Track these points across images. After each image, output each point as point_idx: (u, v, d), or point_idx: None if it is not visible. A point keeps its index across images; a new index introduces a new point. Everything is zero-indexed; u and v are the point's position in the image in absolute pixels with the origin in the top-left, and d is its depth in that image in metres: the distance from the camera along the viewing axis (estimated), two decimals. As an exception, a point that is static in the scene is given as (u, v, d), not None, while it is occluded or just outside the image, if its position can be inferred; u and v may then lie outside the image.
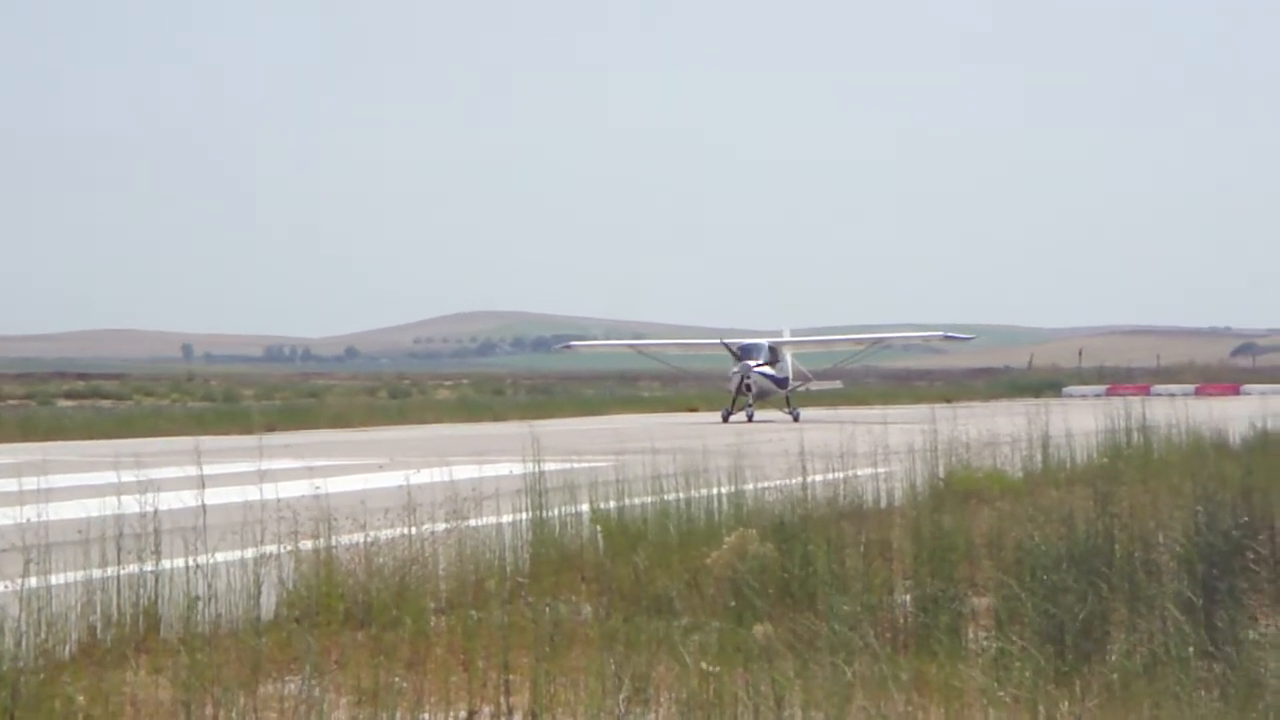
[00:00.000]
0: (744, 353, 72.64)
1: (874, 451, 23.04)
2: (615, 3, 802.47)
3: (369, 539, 15.77)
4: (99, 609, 13.97)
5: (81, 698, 11.00)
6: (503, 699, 11.55)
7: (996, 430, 29.37)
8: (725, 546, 16.11)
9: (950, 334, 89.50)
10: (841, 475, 20.02)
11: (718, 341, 77.49)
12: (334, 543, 15.57)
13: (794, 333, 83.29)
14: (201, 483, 15.65)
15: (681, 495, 19.62)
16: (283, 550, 15.35)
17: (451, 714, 11.52)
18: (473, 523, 17.17)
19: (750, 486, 20.16)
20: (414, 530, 16.27)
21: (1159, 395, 79.99)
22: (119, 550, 14.32)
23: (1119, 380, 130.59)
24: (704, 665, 11.42)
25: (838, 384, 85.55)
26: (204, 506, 15.27)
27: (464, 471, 22.05)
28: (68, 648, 13.39)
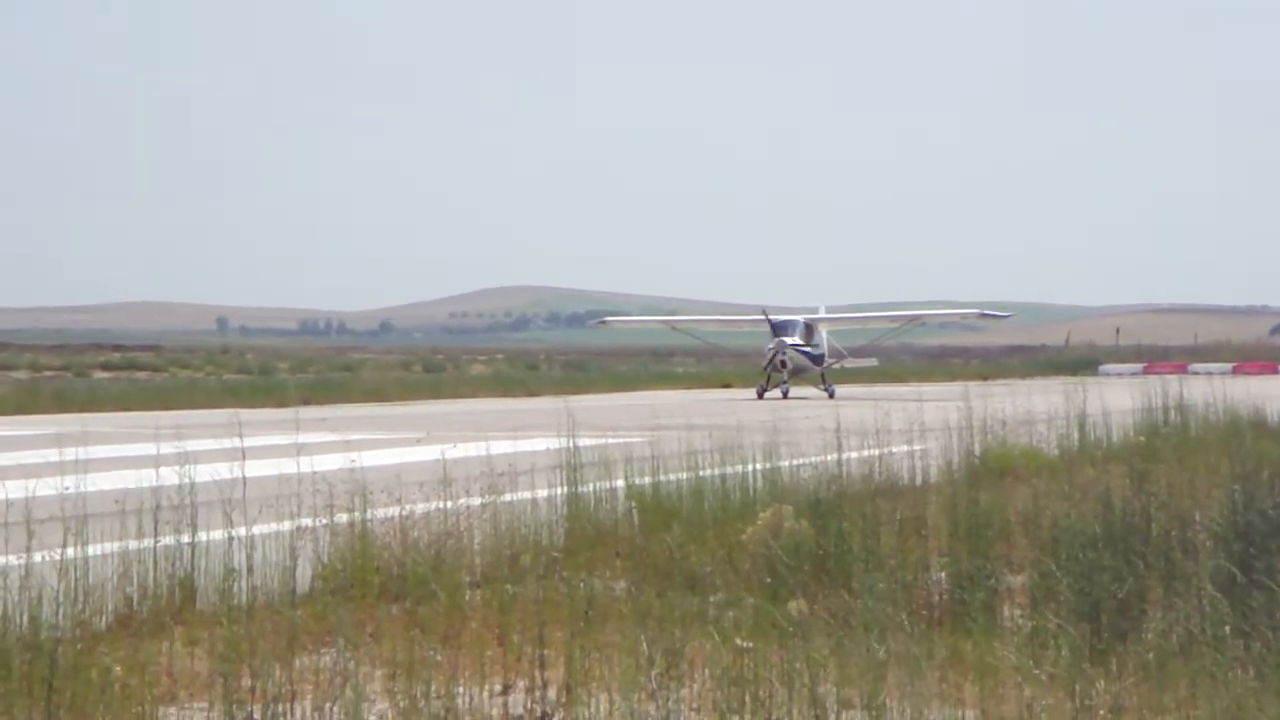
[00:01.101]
0: (779, 329, 72.57)
1: (909, 429, 23.00)
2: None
3: (404, 513, 15.80)
4: (136, 580, 14.02)
5: (118, 668, 11.02)
6: (537, 673, 11.56)
7: (1033, 408, 29.30)
8: (760, 523, 16.11)
9: (987, 312, 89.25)
10: (877, 452, 20.00)
11: (758, 317, 77.29)
12: (369, 516, 15.60)
13: (830, 309, 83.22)
14: (242, 455, 15.67)
15: (716, 471, 19.62)
16: (318, 523, 15.39)
17: (486, 688, 11.53)
18: (508, 498, 17.19)
19: (785, 463, 20.15)
20: (449, 504, 16.30)
21: (1196, 374, 79.64)
22: (156, 522, 14.36)
23: (1156, 359, 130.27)
24: (738, 641, 11.42)
25: (873, 361, 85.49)
26: (244, 479, 15.29)
27: (499, 446, 22.07)
28: (104, 618, 13.44)
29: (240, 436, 16.58)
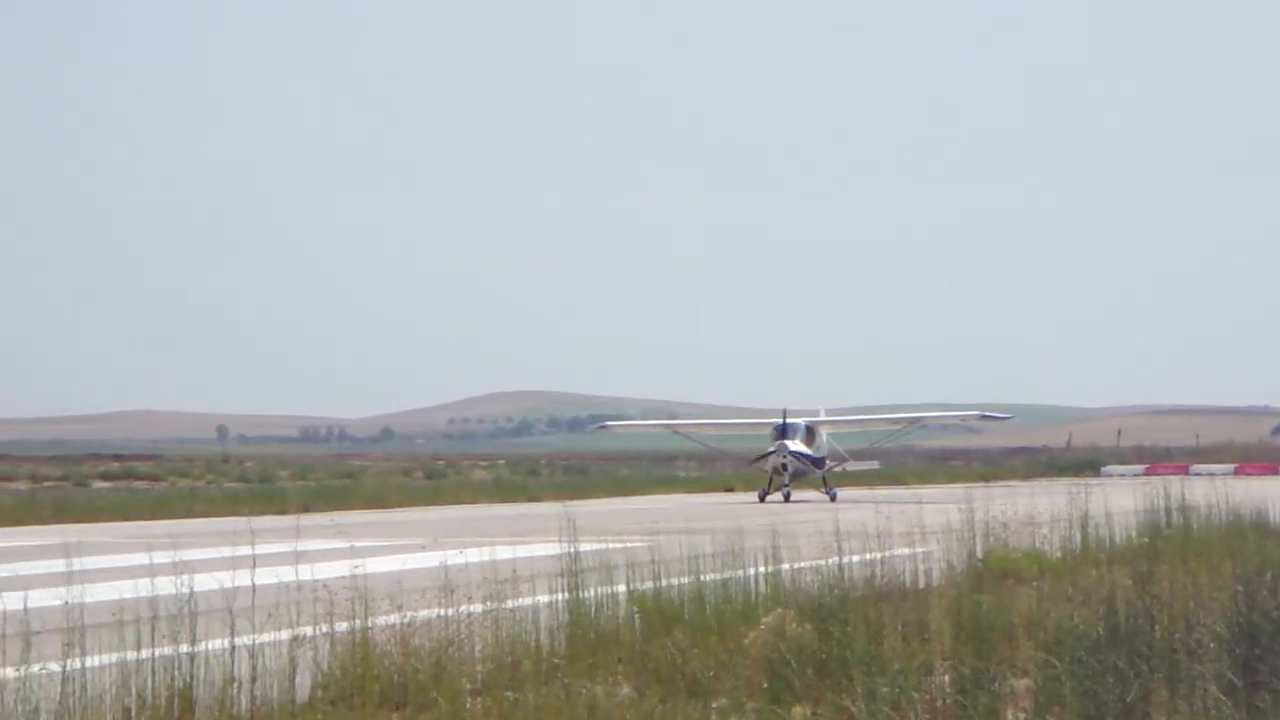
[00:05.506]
0: (780, 432, 72.51)
1: (911, 531, 22.95)
2: (644, 108, 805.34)
3: (405, 620, 15.73)
4: (134, 691, 13.93)
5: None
6: (539, 781, 11.48)
7: (1035, 510, 29.24)
8: (763, 627, 16.05)
9: (988, 414, 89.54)
10: (879, 555, 19.95)
11: (759, 420, 77.39)
12: (370, 624, 15.53)
13: (830, 412, 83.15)
14: (252, 562, 15.60)
15: (718, 576, 19.56)
16: (319, 631, 15.32)
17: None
18: (510, 604, 17.12)
19: (787, 566, 20.10)
20: (451, 611, 16.23)
21: (1198, 475, 79.71)
22: (154, 632, 14.29)
23: (1158, 460, 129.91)
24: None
25: (874, 464, 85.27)
26: (252, 587, 15.19)
27: (501, 552, 22.01)
28: (103, 730, 13.35)
29: (250, 545, 16.50)
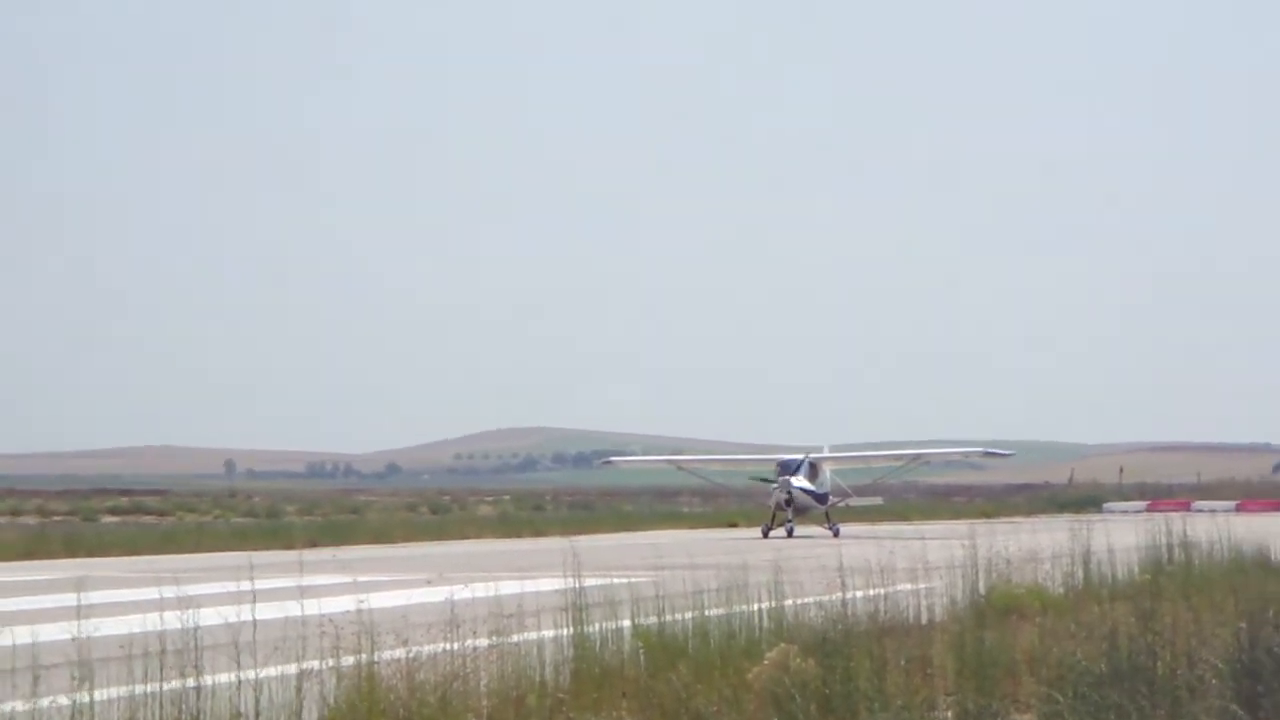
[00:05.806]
0: (784, 468, 72.63)
1: (914, 567, 23.02)
2: (650, 138, 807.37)
3: (411, 654, 15.81)
4: (142, 725, 14.01)
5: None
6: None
7: (1037, 546, 29.32)
8: (766, 662, 16.13)
9: (990, 450, 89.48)
10: (882, 591, 20.03)
11: (762, 456, 77.61)
12: (376, 658, 15.60)
13: (833, 448, 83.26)
14: (253, 597, 15.70)
15: (722, 611, 19.64)
16: (325, 666, 15.40)
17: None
18: (515, 638, 17.19)
19: (790, 602, 20.18)
20: (456, 646, 16.31)
21: (1200, 511, 79.78)
22: (161, 666, 14.38)
23: (1159, 496, 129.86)
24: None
25: (878, 500, 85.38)
26: (254, 622, 15.30)
27: (507, 587, 22.10)
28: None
29: (245, 580, 16.60)
